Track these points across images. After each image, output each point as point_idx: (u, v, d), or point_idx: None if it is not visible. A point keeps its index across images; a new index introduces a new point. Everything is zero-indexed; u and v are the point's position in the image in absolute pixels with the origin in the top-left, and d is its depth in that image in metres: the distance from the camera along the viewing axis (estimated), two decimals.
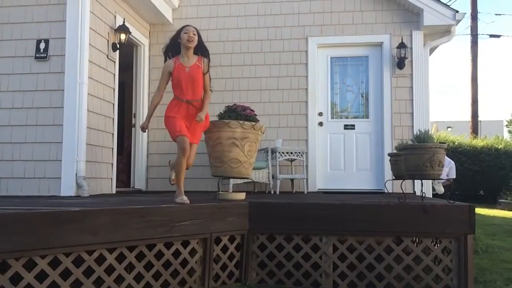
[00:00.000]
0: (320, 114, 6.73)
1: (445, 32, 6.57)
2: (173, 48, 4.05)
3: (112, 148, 5.74)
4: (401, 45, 6.41)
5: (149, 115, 4.07)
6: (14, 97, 5.02)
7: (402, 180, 4.13)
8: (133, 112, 6.88)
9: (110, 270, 2.82)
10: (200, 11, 6.99)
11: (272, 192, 5.95)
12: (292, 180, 6.33)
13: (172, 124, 3.81)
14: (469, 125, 16.62)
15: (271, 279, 3.62)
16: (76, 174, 4.83)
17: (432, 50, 7.06)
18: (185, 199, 3.58)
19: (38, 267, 2.50)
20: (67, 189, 4.80)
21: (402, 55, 6.40)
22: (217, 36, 6.89)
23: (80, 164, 4.87)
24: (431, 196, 6.27)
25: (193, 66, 3.93)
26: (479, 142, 13.36)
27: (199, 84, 3.94)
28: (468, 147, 12.86)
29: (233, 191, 4.82)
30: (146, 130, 4.32)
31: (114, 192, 5.74)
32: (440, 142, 5.05)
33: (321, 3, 6.78)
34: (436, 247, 3.60)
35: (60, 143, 4.88)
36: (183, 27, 4.01)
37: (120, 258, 2.87)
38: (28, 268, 2.48)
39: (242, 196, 4.10)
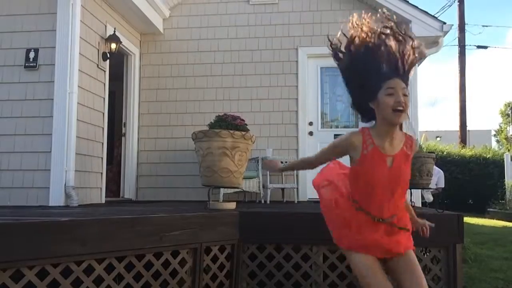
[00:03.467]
0: (310, 123, 6.76)
1: (433, 43, 6.65)
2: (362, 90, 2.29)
3: (102, 158, 5.70)
4: None
5: (289, 167, 3.43)
6: (3, 106, 4.98)
7: None
8: (123, 122, 6.86)
9: (98, 281, 2.78)
10: (191, 21, 7.01)
11: (263, 202, 5.95)
12: (282, 189, 6.33)
13: None
14: (457, 134, 16.79)
15: None
16: (65, 184, 4.79)
17: (420, 61, 7.15)
18: None
19: (25, 278, 2.47)
20: (56, 199, 4.75)
21: None
22: (208, 46, 6.92)
23: (69, 174, 4.83)
24: (420, 205, 6.31)
25: (400, 155, 2.33)
26: (467, 152, 13.52)
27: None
28: (457, 157, 13.01)
29: (223, 201, 4.81)
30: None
31: (103, 201, 5.69)
32: (429, 152, 5.10)
33: (311, 14, 6.84)
34: (425, 256, 3.61)
35: (49, 153, 4.84)
36: (386, 80, 2.19)
37: (109, 268, 2.84)
38: (15, 279, 2.44)
39: (232, 205, 4.10)
